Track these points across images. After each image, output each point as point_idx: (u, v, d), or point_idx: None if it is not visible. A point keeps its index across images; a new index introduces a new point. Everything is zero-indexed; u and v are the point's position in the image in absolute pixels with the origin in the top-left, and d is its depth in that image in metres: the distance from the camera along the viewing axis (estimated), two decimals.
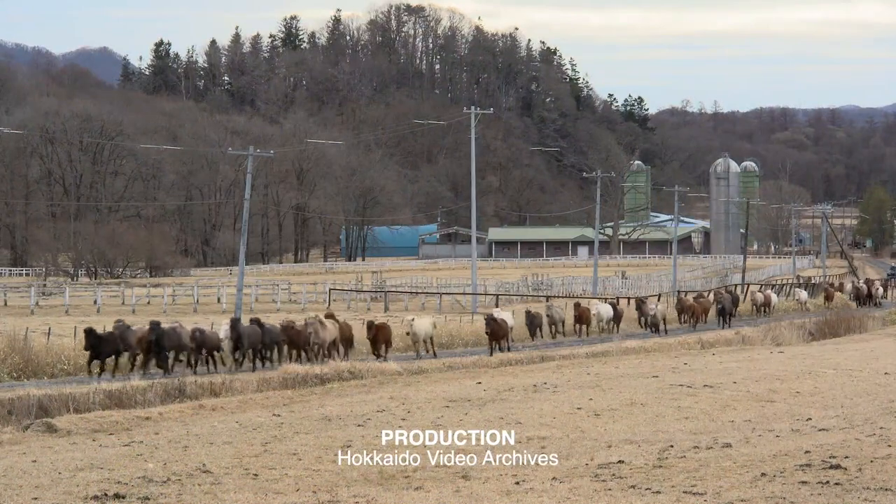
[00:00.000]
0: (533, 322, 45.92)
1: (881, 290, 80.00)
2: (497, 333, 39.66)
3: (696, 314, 53.68)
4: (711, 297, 60.12)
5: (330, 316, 37.96)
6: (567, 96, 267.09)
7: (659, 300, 56.33)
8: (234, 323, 34.33)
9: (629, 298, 64.10)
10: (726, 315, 53.58)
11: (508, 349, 40.11)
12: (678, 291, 75.69)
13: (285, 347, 35.34)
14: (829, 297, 72.52)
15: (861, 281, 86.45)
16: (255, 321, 35.10)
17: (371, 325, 37.22)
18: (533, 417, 20.64)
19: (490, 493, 14.27)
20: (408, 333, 38.18)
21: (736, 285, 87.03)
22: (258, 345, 34.51)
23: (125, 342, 32.95)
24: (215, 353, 34.39)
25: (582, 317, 48.79)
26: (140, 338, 32.71)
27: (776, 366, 30.13)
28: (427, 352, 38.55)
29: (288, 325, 35.69)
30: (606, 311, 50.55)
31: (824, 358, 32.89)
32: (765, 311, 63.51)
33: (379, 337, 36.85)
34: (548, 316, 47.22)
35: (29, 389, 26.60)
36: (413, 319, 38.96)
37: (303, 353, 35.35)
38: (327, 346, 35.74)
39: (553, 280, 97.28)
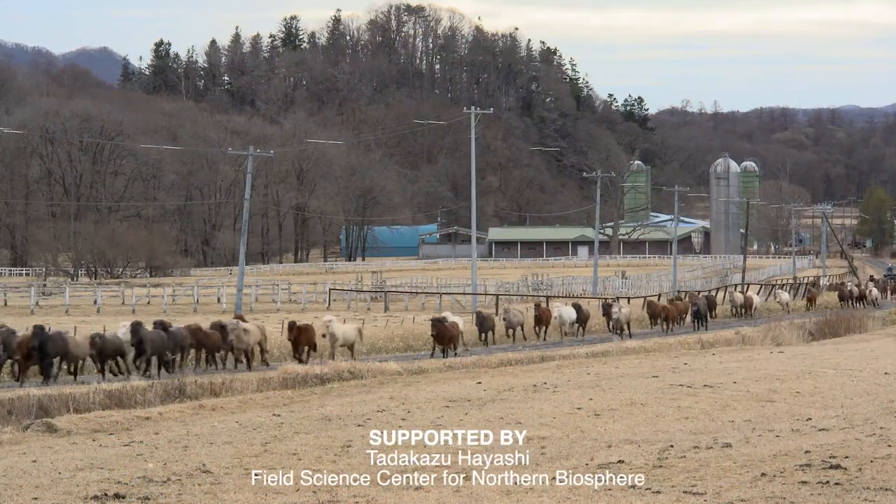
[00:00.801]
0: (483, 324, 43.50)
1: (875, 290, 77.15)
2: (443, 336, 37.82)
3: (671, 318, 51.50)
4: (688, 299, 58.38)
5: (239, 319, 35.87)
6: (567, 96, 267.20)
7: (629, 302, 54.26)
8: (135, 327, 31.61)
9: (629, 298, 64.21)
10: (701, 318, 51.98)
11: (456, 354, 38.25)
12: (651, 296, 72.52)
13: (192, 352, 33.38)
14: (811, 300, 71.14)
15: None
16: (160, 324, 32.79)
17: (291, 327, 34.94)
18: (533, 417, 20.64)
19: (490, 493, 14.27)
20: (324, 335, 35.18)
21: (736, 285, 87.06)
22: (163, 350, 32.01)
23: (7, 348, 30.44)
24: (119, 359, 31.84)
25: (542, 318, 46.46)
26: (20, 343, 30.38)
27: (776, 366, 30.12)
28: (343, 357, 35.40)
29: (195, 328, 33.71)
30: (569, 313, 47.89)
31: (824, 358, 32.88)
32: (744, 313, 62.16)
33: (301, 339, 34.65)
34: (504, 319, 45.31)
35: (29, 389, 26.62)
36: (331, 321, 35.84)
37: (215, 358, 33.62)
38: (251, 350, 33.98)
39: (553, 280, 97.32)
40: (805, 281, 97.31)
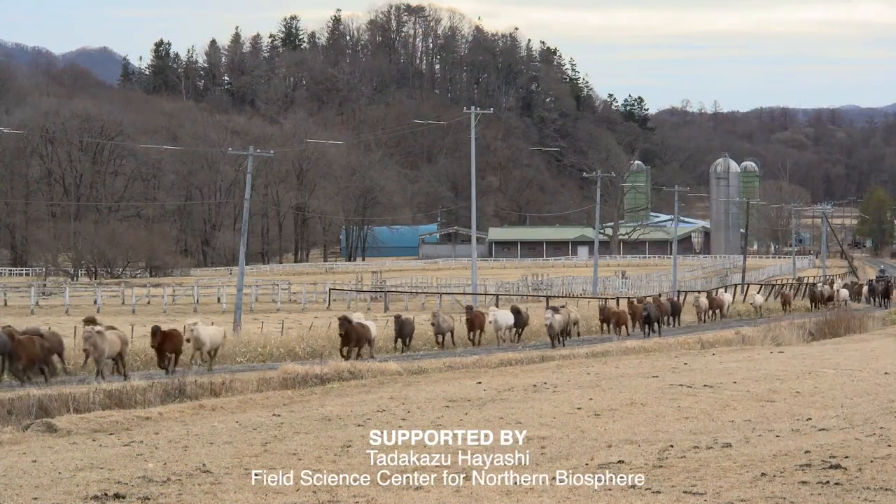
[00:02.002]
0: (402, 329, 40.61)
1: (844, 292, 73.61)
2: (349, 337, 35.69)
3: (621, 322, 47.95)
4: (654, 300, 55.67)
5: (91, 321, 32.66)
6: (567, 96, 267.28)
7: (564, 308, 47.84)
8: None
9: (629, 298, 63.92)
10: (652, 323, 48.14)
11: (359, 355, 35.89)
12: (602, 299, 66.71)
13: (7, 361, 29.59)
14: (785, 303, 68.79)
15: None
16: None
17: (155, 332, 32.31)
18: (533, 417, 20.64)
19: (490, 493, 14.27)
20: (188, 340, 33.15)
21: (736, 285, 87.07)
22: None
23: None
24: None
25: (474, 323, 43.26)
26: None
27: (776, 366, 30.12)
28: (204, 363, 33.75)
29: (7, 330, 30.29)
30: (505, 318, 44.38)
31: (824, 358, 32.88)
32: (712, 317, 59.53)
33: (165, 346, 32.26)
34: (433, 324, 42.11)
35: (29, 389, 26.62)
36: (196, 324, 33.81)
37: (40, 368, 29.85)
38: (110, 358, 30.95)
39: (553, 280, 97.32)
40: (782, 282, 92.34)
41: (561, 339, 42.70)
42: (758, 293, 73.55)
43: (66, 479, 15.26)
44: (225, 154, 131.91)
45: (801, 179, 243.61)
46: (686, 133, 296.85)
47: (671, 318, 54.66)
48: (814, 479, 14.14)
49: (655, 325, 48.97)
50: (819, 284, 76.53)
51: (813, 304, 69.96)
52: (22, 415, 23.60)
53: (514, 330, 44.87)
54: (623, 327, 47.91)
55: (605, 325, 48.59)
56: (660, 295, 61.75)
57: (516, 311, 45.57)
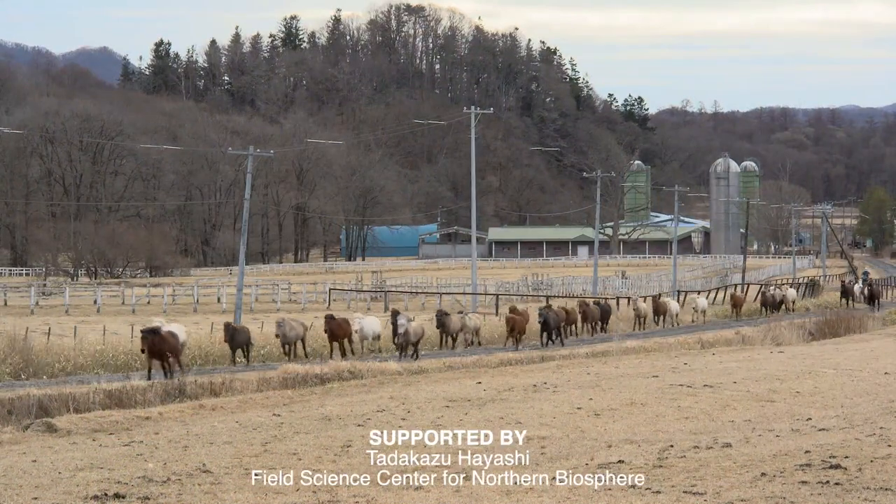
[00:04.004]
0: (234, 339, 36.49)
1: (792, 292, 70.96)
2: (153, 351, 31.19)
3: (517, 329, 42.49)
4: (597, 303, 52.53)
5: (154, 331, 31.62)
6: (567, 96, 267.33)
7: (460, 314, 44.53)
8: None
9: (629, 298, 63.92)
10: (549, 331, 43.38)
11: (181, 371, 31.51)
12: (552, 301, 62.39)
13: None
14: (736, 305, 64.54)
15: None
16: None
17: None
18: (533, 417, 20.64)
19: (490, 493, 14.27)
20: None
21: (736, 285, 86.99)
22: None
23: None
24: None
25: (335, 333, 38.41)
26: None
27: (776, 366, 30.12)
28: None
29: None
30: (372, 326, 40.15)
31: (824, 358, 32.87)
32: (641, 325, 54.25)
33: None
34: (278, 335, 37.54)
35: (29, 389, 26.60)
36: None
37: None
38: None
39: (553, 280, 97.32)
40: (760, 284, 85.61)
41: (413, 350, 37.86)
42: (699, 295, 68.78)
43: (66, 479, 15.26)
44: (225, 154, 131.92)
45: (801, 179, 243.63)
46: (686, 133, 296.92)
47: (601, 324, 50.86)
48: (814, 479, 14.14)
49: (561, 332, 44.69)
50: (771, 288, 71.49)
51: (763, 308, 66.16)
52: (22, 415, 23.60)
53: (380, 339, 40.40)
54: (519, 335, 42.53)
55: (511, 334, 42.81)
56: (587, 299, 57.58)
57: (395, 314, 40.17)
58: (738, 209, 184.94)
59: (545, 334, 43.38)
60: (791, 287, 75.81)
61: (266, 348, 38.73)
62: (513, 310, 44.57)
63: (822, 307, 68.22)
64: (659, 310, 56.89)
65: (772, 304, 66.44)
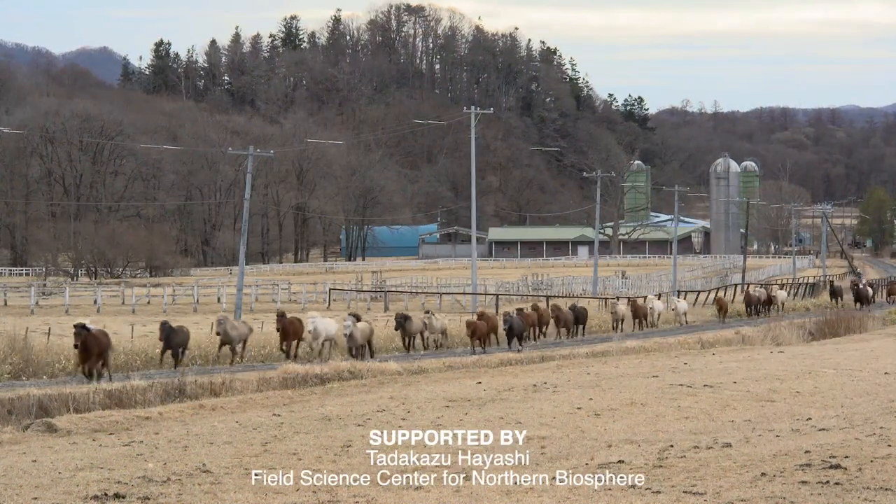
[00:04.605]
0: (170, 339, 34.18)
1: (782, 293, 69.59)
2: (85, 348, 29.58)
3: (479, 334, 40.89)
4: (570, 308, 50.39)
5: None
6: (567, 96, 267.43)
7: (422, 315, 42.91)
8: None
9: (629, 298, 63.79)
10: (513, 336, 41.84)
11: (101, 376, 29.74)
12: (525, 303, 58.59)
13: None
14: (721, 309, 62.24)
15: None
16: None
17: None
18: (533, 417, 20.63)
19: (490, 493, 14.26)
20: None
21: (736, 285, 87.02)
22: None
23: None
24: None
25: (286, 331, 36.71)
26: None
27: (776, 366, 30.11)
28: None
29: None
30: (326, 327, 37.45)
31: (824, 358, 32.86)
32: (619, 328, 51.87)
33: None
34: (219, 332, 35.86)
35: (29, 389, 26.58)
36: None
37: None
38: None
39: (553, 280, 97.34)
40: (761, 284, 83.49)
41: (369, 350, 37.15)
42: (677, 296, 66.46)
43: (66, 479, 15.25)
44: (225, 154, 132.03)
45: (801, 179, 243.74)
46: (686, 133, 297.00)
47: (575, 327, 49.58)
48: (814, 479, 14.13)
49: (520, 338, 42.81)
50: (756, 288, 69.61)
51: (748, 310, 64.77)
52: (22, 414, 23.59)
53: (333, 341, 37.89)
54: (482, 341, 41.03)
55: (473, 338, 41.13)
56: (558, 302, 54.59)
57: (356, 317, 37.90)
58: (738, 209, 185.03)
59: (510, 340, 41.96)
60: (781, 289, 74.62)
61: (266, 348, 38.69)
62: (480, 315, 42.95)
63: (823, 307, 68.24)
64: (638, 313, 54.53)
65: (756, 304, 64.90)
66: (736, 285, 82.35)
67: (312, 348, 37.44)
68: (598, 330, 50.40)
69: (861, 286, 75.44)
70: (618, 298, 58.71)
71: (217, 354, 35.83)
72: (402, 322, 40.50)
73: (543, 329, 47.06)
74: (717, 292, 76.78)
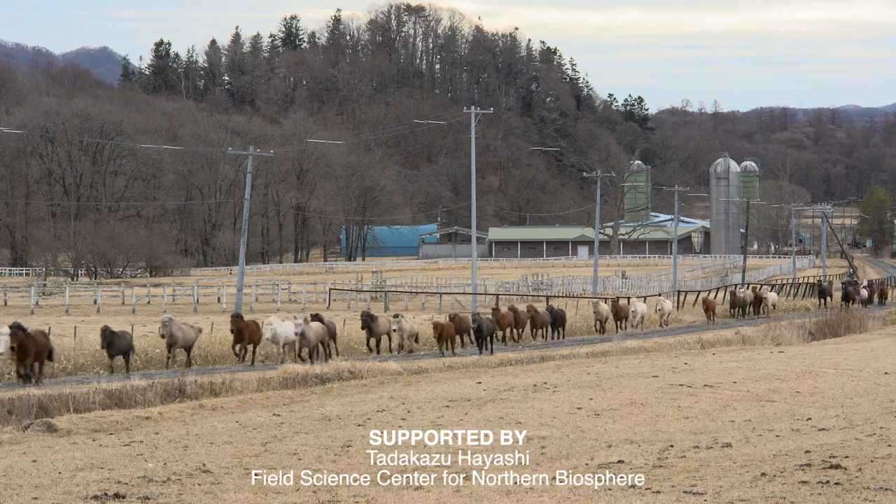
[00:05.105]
0: (112, 345, 32.75)
1: (773, 295, 68.36)
2: (22, 349, 28.77)
3: (445, 337, 39.95)
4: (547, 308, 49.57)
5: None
6: (567, 96, 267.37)
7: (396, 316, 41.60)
8: None
9: (629, 298, 63.80)
10: (482, 337, 40.88)
11: (36, 380, 29.03)
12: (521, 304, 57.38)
13: None
14: (709, 309, 60.72)
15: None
16: None
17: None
18: (533, 417, 20.63)
19: (490, 493, 14.26)
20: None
21: (736, 285, 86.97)
22: None
23: None
24: None
25: (241, 333, 35.84)
26: None
27: (776, 366, 30.10)
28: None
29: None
30: (286, 332, 35.75)
31: (824, 358, 32.85)
32: (613, 327, 51.72)
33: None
34: (163, 335, 34.38)
35: (29, 389, 26.60)
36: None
37: None
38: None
39: (553, 280, 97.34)
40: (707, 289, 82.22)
41: (322, 353, 36.24)
42: (661, 297, 65.20)
43: (66, 479, 15.26)
44: (225, 154, 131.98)
45: (801, 179, 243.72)
46: (686, 133, 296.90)
47: (554, 329, 48.64)
48: (814, 479, 14.13)
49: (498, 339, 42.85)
50: (743, 289, 67.74)
51: (732, 311, 63.60)
52: (22, 414, 23.60)
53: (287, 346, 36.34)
54: (448, 342, 40.19)
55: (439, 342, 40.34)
56: (517, 306, 52.10)
57: (317, 318, 37.41)
58: (738, 209, 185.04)
59: (479, 342, 40.98)
60: (772, 290, 73.75)
61: (265, 349, 38.68)
62: (452, 317, 42.17)
63: (819, 308, 68.19)
64: (620, 313, 52.90)
65: (742, 306, 63.85)
66: (726, 287, 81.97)
67: (280, 352, 36.42)
68: (580, 331, 49.98)
69: (852, 286, 75.51)
70: (606, 300, 57.89)
71: (168, 356, 34.34)
72: (369, 322, 39.25)
73: (520, 330, 46.27)
74: (709, 293, 76.05)
